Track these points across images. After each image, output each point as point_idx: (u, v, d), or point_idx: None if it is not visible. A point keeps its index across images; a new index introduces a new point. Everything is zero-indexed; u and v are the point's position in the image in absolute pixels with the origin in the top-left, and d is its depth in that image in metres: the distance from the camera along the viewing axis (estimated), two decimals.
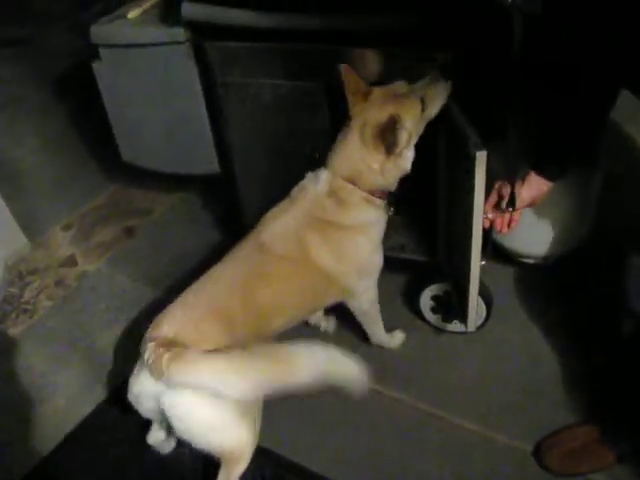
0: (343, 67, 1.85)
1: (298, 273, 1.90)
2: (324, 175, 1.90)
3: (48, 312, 2.67)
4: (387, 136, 1.78)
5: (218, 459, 1.71)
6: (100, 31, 2.34)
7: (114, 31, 2.33)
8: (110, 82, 2.46)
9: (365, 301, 2.12)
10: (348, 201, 1.89)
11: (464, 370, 2.21)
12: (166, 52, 2.24)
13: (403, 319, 2.37)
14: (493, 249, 2.29)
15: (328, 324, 2.39)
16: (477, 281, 1.90)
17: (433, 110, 1.86)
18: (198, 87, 2.26)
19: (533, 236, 2.33)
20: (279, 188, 1.98)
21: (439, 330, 2.33)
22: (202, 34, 2.12)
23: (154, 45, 2.25)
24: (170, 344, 1.59)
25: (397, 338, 2.29)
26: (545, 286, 2.43)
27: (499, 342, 2.27)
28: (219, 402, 1.60)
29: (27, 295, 2.78)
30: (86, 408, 2.24)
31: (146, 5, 2.39)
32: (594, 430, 1.90)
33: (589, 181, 2.22)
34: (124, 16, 2.35)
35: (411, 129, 1.82)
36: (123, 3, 2.46)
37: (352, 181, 1.87)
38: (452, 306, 2.20)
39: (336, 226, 1.90)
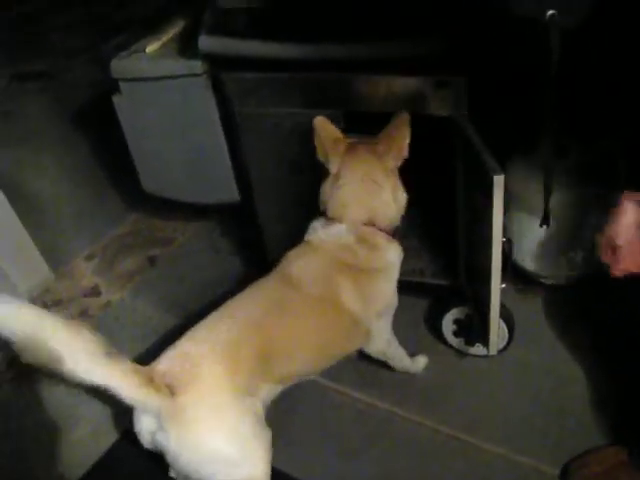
0: (318, 119, 1.91)
1: (323, 314, 1.85)
2: (343, 227, 1.90)
3: None
4: (397, 139, 1.86)
5: None
6: (119, 66, 2.37)
7: (133, 65, 2.37)
8: (130, 115, 2.49)
9: (382, 342, 2.09)
10: (378, 244, 1.91)
11: (488, 393, 2.20)
12: (184, 84, 2.27)
13: (425, 343, 2.37)
14: (514, 271, 2.29)
15: None
16: (498, 304, 1.90)
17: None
18: (216, 118, 2.29)
19: (555, 256, 2.32)
20: (298, 216, 2.00)
21: (461, 354, 2.33)
22: (219, 66, 2.15)
23: (172, 78, 2.28)
24: (149, 382, 1.53)
25: (420, 362, 2.28)
26: (568, 307, 2.41)
27: (522, 364, 2.26)
28: (211, 444, 1.57)
29: None
30: (111, 438, 2.25)
31: (164, 39, 2.42)
32: (622, 452, 1.88)
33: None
34: (143, 50, 2.38)
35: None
36: (142, 37, 2.50)
37: (371, 224, 1.90)
38: (474, 329, 2.19)
39: (367, 271, 1.90)
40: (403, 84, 1.96)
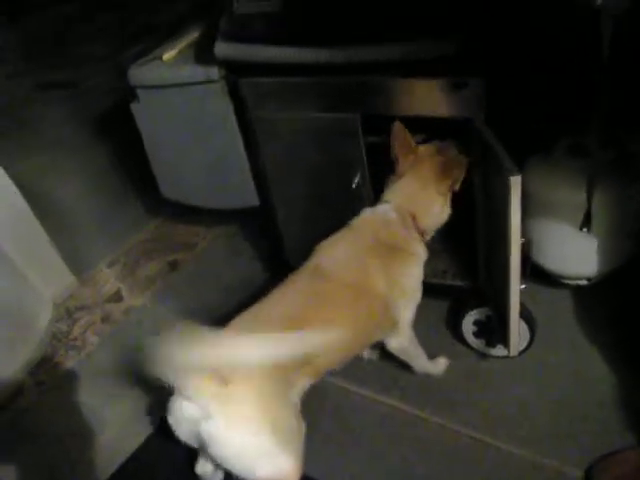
0: (397, 124, 2.00)
1: (356, 301, 1.89)
2: (390, 205, 2.03)
3: (96, 348, 2.73)
4: (454, 171, 2.00)
5: None
6: (137, 73, 2.39)
7: (150, 73, 2.38)
8: (148, 122, 2.51)
9: (405, 336, 2.10)
10: (412, 231, 2.02)
11: (509, 395, 2.19)
12: (201, 91, 2.28)
13: (446, 345, 2.36)
14: (536, 271, 2.27)
15: (372, 352, 2.38)
16: (517, 305, 1.89)
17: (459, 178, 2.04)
18: (234, 123, 2.30)
19: (575, 256, 2.30)
20: (317, 219, 2.00)
21: (483, 355, 2.32)
22: (236, 71, 2.16)
23: (189, 84, 2.29)
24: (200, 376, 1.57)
25: (441, 364, 2.28)
26: (590, 308, 2.39)
27: (544, 365, 2.24)
28: (256, 433, 1.59)
29: (75, 331, 2.84)
30: (136, 441, 2.26)
31: (180, 46, 2.44)
32: None
33: (633, 195, 2.19)
34: (160, 57, 2.40)
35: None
36: (159, 44, 2.52)
37: (413, 217, 2.02)
38: (494, 330, 2.18)
39: (400, 253, 2.00)
40: (420, 86, 1.96)
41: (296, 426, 1.70)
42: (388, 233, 1.99)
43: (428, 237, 2.10)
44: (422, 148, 2.09)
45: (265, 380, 1.62)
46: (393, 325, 2.04)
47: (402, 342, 2.12)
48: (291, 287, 1.89)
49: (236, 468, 1.63)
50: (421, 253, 2.06)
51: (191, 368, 1.54)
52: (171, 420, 1.66)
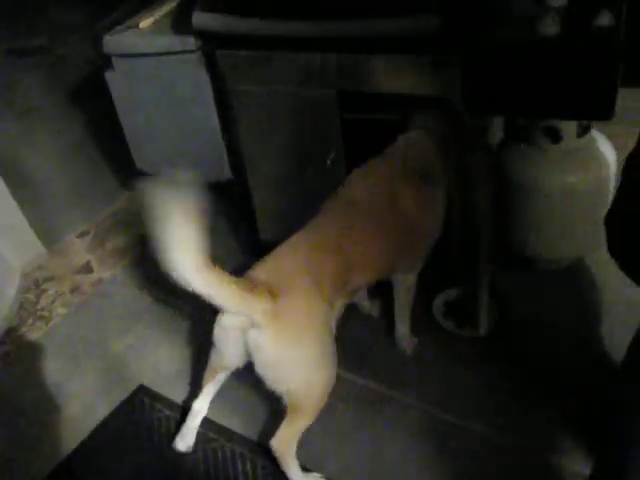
0: None
1: (387, 228, 1.96)
2: (423, 132, 2.08)
3: (63, 319, 2.70)
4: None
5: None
6: (112, 41, 2.36)
7: (126, 41, 2.35)
8: (123, 91, 2.48)
9: (414, 274, 2.16)
10: (444, 158, 2.06)
11: (478, 375, 2.19)
12: (177, 61, 2.26)
13: (417, 325, 2.36)
14: (507, 254, 2.28)
15: (373, 306, 2.44)
16: (487, 285, 1.90)
17: None
18: (210, 95, 2.28)
19: (547, 239, 2.32)
20: (291, 194, 1.99)
21: (452, 335, 2.32)
22: (213, 42, 2.13)
23: (165, 54, 2.27)
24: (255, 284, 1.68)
25: (412, 342, 2.30)
26: (560, 291, 2.41)
27: (513, 347, 2.26)
28: (300, 344, 1.72)
29: (43, 302, 2.80)
30: (101, 414, 2.24)
31: (158, 15, 2.41)
32: None
33: (606, 182, 2.20)
34: (136, 26, 2.36)
35: None
36: (136, 13, 2.48)
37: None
38: (464, 311, 2.19)
39: (431, 181, 2.04)
40: (398, 64, 1.95)
41: (332, 349, 1.80)
42: (421, 159, 2.04)
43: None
44: None
45: (311, 299, 1.74)
46: (415, 255, 2.10)
47: (409, 278, 2.17)
48: (327, 217, 1.94)
49: (272, 378, 1.73)
50: (447, 180, 2.11)
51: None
52: (217, 331, 1.76)
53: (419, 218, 2.01)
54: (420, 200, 2.00)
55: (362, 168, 2.05)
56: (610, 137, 2.22)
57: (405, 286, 2.19)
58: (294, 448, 1.87)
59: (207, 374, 2.02)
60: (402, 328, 2.27)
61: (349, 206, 1.95)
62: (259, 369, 1.73)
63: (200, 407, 2.07)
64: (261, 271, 1.76)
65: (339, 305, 1.90)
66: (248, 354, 1.73)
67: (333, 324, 1.84)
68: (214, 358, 1.91)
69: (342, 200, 1.98)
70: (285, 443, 1.85)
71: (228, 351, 1.80)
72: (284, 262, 1.81)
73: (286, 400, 1.77)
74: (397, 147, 2.09)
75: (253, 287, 1.66)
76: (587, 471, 1.64)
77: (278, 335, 1.68)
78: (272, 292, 1.67)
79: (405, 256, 2.08)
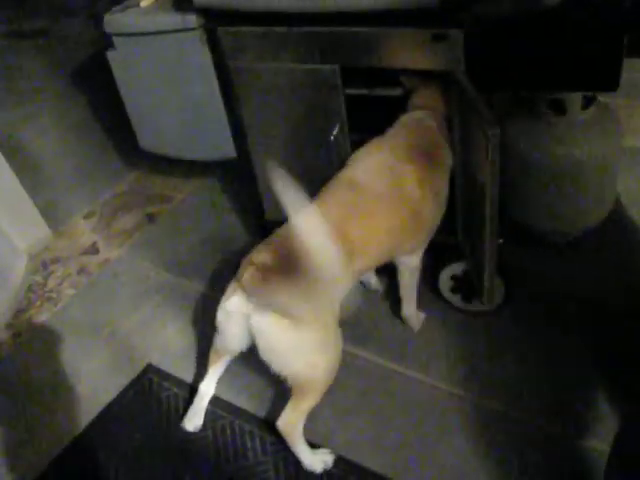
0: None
1: (391, 210, 1.94)
2: (426, 112, 2.08)
3: (71, 300, 2.71)
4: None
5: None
6: (113, 20, 2.35)
7: (127, 19, 2.34)
8: (125, 70, 2.47)
9: (418, 256, 2.15)
10: (447, 137, 2.07)
11: (484, 350, 2.20)
12: (179, 39, 2.24)
13: (424, 300, 2.36)
14: (513, 228, 2.28)
15: (379, 283, 2.45)
16: (494, 259, 1.89)
17: None
18: (212, 73, 2.26)
19: (553, 213, 2.31)
20: (296, 171, 1.98)
21: (459, 310, 2.33)
22: (214, 20, 2.12)
23: (167, 32, 2.25)
24: (266, 269, 1.69)
25: (420, 318, 2.30)
26: (567, 266, 2.40)
27: (519, 321, 2.26)
28: (303, 328, 1.70)
29: (51, 284, 2.82)
30: (110, 394, 2.26)
31: None
32: None
33: (611, 154, 2.19)
34: (137, 4, 2.35)
35: None
36: None
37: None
38: (471, 286, 2.19)
39: (435, 160, 2.03)
40: (400, 38, 1.93)
41: (336, 333, 1.82)
42: (425, 140, 2.03)
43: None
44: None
45: (315, 283, 1.67)
46: (420, 238, 2.08)
47: (413, 260, 2.16)
48: (329, 199, 1.92)
49: (276, 362, 1.75)
50: (451, 161, 2.10)
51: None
52: (220, 315, 1.79)
53: (423, 201, 1.98)
54: (425, 182, 1.97)
55: (365, 149, 2.04)
56: (615, 109, 2.20)
57: (410, 269, 2.18)
58: (301, 428, 1.88)
59: (212, 357, 2.04)
60: (409, 308, 2.28)
61: (351, 189, 1.93)
62: (263, 353, 1.74)
63: (207, 389, 2.09)
64: (264, 254, 1.76)
65: (344, 287, 1.88)
66: (251, 339, 1.75)
67: (337, 307, 1.82)
68: (218, 342, 1.93)
69: (344, 182, 1.96)
70: (291, 424, 1.86)
71: (232, 335, 1.81)
72: (286, 246, 1.76)
73: (291, 383, 1.78)
74: (400, 127, 2.08)
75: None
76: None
77: (281, 320, 1.68)
78: (275, 275, 1.67)
79: (409, 239, 2.06)
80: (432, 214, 2.06)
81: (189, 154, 2.68)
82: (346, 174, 1.98)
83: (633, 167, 2.36)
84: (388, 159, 1.98)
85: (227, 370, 2.09)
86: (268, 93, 2.19)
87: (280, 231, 1.82)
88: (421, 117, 2.08)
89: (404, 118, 2.10)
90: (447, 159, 2.08)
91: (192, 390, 2.16)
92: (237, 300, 1.71)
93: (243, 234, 2.82)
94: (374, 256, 1.98)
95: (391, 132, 2.07)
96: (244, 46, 2.12)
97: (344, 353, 1.86)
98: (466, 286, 2.25)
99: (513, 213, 2.27)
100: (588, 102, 2.11)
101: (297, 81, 2.12)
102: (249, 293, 1.69)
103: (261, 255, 1.76)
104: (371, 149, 2.03)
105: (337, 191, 1.94)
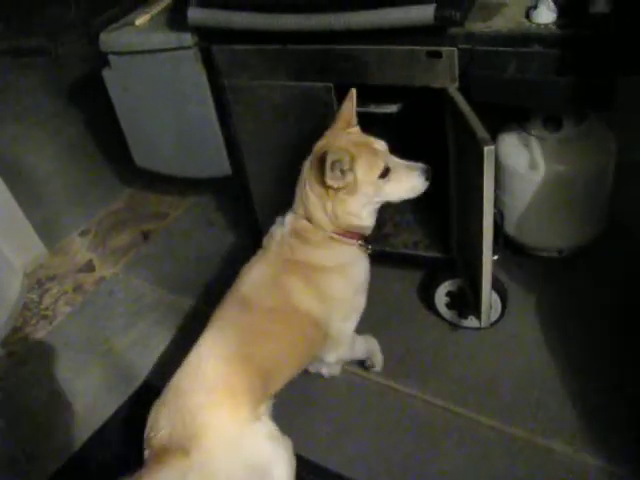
0: (352, 90, 1.85)
1: (288, 324, 1.82)
2: (289, 217, 1.88)
3: (67, 318, 2.71)
4: (321, 165, 1.72)
5: None
6: (109, 39, 2.36)
7: (122, 38, 2.35)
8: (120, 88, 2.48)
9: (344, 348, 2.01)
10: (312, 240, 1.84)
11: (480, 366, 2.20)
12: (174, 57, 2.25)
13: (419, 316, 2.37)
14: (508, 244, 2.29)
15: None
16: (490, 276, 1.89)
17: (392, 190, 1.80)
18: (207, 91, 2.27)
19: (548, 228, 2.32)
20: (291, 188, 1.98)
21: (454, 326, 2.33)
22: (209, 38, 2.13)
23: (162, 51, 2.27)
24: (163, 453, 1.55)
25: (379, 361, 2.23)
26: (561, 280, 2.41)
27: (515, 337, 2.26)
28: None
29: (46, 301, 2.81)
30: (107, 411, 2.26)
31: (153, 12, 2.41)
32: None
33: (604, 170, 2.20)
34: (132, 23, 2.36)
35: (361, 178, 1.74)
36: (132, 10, 2.48)
37: (310, 221, 1.84)
38: (466, 302, 2.19)
39: (310, 267, 1.84)
40: (394, 56, 1.94)
41: (277, 451, 1.67)
42: (287, 249, 1.85)
43: (362, 232, 1.89)
44: (357, 130, 1.88)
45: (227, 433, 1.59)
46: (327, 340, 1.93)
47: (342, 354, 2.03)
48: (224, 322, 1.80)
49: None
50: (339, 260, 1.88)
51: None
52: None
53: (316, 305, 1.84)
54: (312, 290, 1.83)
55: (249, 264, 1.90)
56: (609, 124, 2.22)
57: (340, 360, 2.10)
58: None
59: None
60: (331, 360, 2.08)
61: (243, 307, 1.80)
62: None
63: None
64: (163, 419, 1.61)
65: (263, 409, 1.74)
66: None
67: (269, 426, 1.70)
68: None
69: (236, 299, 1.83)
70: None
71: None
72: (187, 396, 1.62)
73: None
74: (272, 237, 1.91)
75: (163, 454, 1.55)
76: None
77: None
78: (183, 447, 1.53)
79: (318, 345, 1.93)
80: (335, 320, 1.90)
81: (184, 171, 2.69)
82: (236, 290, 1.84)
83: (630, 181, 2.37)
84: (269, 272, 1.85)
85: None
86: (263, 110, 2.19)
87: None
88: (290, 222, 1.88)
89: (277, 224, 1.93)
90: (330, 259, 1.86)
91: None
92: None
93: (238, 251, 2.83)
94: (287, 373, 1.85)
95: (265, 243, 1.93)
96: (238, 64, 2.13)
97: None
98: (462, 302, 2.25)
99: (508, 229, 2.28)
100: (582, 118, 2.13)
101: (292, 99, 2.13)
102: None
103: (160, 426, 1.61)
104: (254, 264, 1.89)
105: (230, 312, 1.81)
